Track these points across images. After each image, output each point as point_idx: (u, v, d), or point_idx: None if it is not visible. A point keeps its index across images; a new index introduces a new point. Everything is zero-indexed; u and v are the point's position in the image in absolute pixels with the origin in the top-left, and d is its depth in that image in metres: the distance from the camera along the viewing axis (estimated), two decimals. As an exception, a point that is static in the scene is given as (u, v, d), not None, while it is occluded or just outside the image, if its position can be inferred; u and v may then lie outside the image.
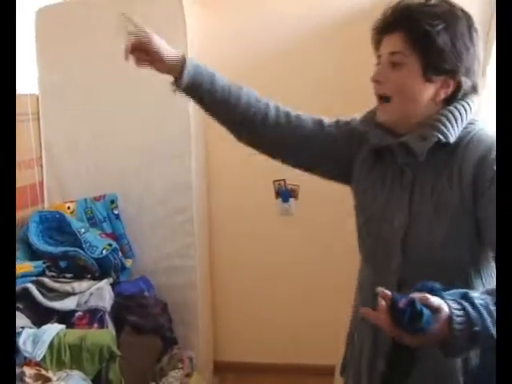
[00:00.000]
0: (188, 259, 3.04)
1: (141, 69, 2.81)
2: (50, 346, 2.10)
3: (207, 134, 3.23)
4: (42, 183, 3.03)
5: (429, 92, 1.38)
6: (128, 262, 2.89)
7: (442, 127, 1.35)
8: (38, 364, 2.00)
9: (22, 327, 2.15)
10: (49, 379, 1.92)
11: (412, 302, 1.05)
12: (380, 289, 1.12)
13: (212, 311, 3.45)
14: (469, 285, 1.39)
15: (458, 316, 1.07)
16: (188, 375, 2.74)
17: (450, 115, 1.37)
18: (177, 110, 2.90)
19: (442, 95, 1.39)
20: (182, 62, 1.61)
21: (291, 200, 3.28)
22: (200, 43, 3.07)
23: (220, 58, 3.13)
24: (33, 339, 2.08)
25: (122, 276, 2.82)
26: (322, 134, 1.62)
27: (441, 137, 1.35)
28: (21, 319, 2.22)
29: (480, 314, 1.08)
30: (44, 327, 2.19)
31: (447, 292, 1.12)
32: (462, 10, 1.37)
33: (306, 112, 3.05)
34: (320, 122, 1.64)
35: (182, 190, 2.98)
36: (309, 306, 3.38)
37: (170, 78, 2.84)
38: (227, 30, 3.16)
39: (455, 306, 1.09)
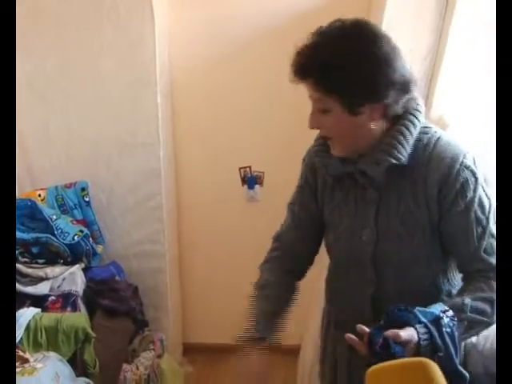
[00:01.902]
0: (158, 244, 3.12)
1: (111, 59, 2.88)
2: (27, 328, 2.16)
3: (175, 123, 3.28)
4: (12, 171, 3.05)
5: (361, 123, 1.38)
6: (99, 248, 2.95)
7: (394, 150, 1.37)
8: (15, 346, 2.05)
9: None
10: (26, 360, 1.98)
11: (387, 345, 1.19)
12: (358, 327, 1.26)
13: (181, 295, 3.53)
14: (438, 287, 1.47)
15: (425, 340, 1.22)
16: (159, 356, 2.83)
17: (398, 136, 1.38)
18: (145, 99, 2.96)
19: (377, 118, 1.38)
20: None
21: (257, 187, 3.35)
22: (169, 31, 3.12)
23: (191, 46, 3.19)
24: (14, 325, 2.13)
25: (94, 261, 2.89)
26: (308, 220, 1.66)
27: (393, 161, 1.37)
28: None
29: (444, 342, 1.22)
30: (20, 311, 2.24)
31: (422, 310, 1.26)
32: (371, 31, 1.35)
33: (282, 100, 3.12)
34: (295, 219, 1.69)
35: (152, 178, 3.04)
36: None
37: (140, 70, 2.91)
38: (199, 18, 3.17)
39: (423, 331, 1.23)
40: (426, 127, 1.44)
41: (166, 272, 3.17)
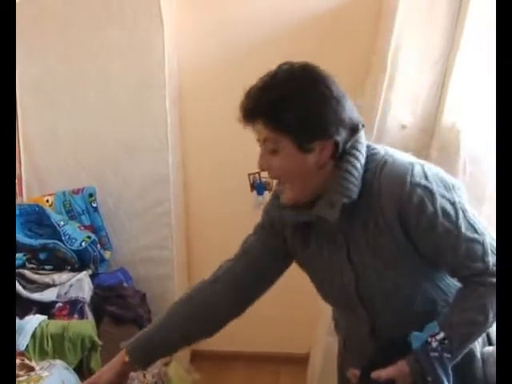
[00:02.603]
0: (166, 251, 3.10)
1: (118, 63, 2.86)
2: (33, 336, 2.15)
3: (184, 128, 3.27)
4: (20, 177, 3.04)
5: (311, 161, 1.35)
6: (106, 254, 2.94)
7: (345, 190, 1.34)
8: (21, 354, 2.03)
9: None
10: (32, 368, 1.95)
11: None
12: (349, 372, 1.37)
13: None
14: (432, 301, 1.43)
15: (415, 369, 1.29)
16: (166, 364, 2.79)
17: (346, 174, 1.35)
18: (154, 103, 2.94)
19: (325, 158, 1.36)
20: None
21: (266, 193, 3.32)
22: (177, 35, 3.11)
23: (200, 49, 3.17)
24: (16, 330, 2.11)
25: (101, 268, 2.87)
26: (262, 258, 1.62)
27: (345, 200, 1.34)
28: (1, 311, 2.25)
29: (432, 366, 1.27)
30: (27, 318, 2.23)
31: (416, 335, 1.32)
32: (319, 73, 1.37)
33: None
34: (247, 256, 1.66)
35: (160, 183, 3.03)
36: (283, 297, 3.43)
37: (148, 74, 2.90)
38: (207, 21, 3.16)
39: (412, 360, 1.30)
40: (373, 154, 1.40)
41: (173, 278, 3.15)
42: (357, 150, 1.38)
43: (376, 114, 2.46)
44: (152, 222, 3.07)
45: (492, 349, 1.47)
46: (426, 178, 1.34)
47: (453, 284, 1.44)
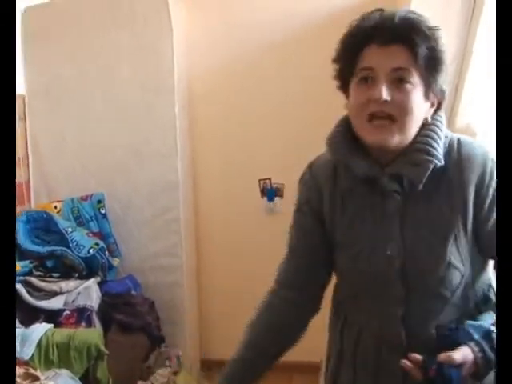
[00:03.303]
0: (175, 258, 3.06)
1: (128, 68, 2.84)
2: (38, 345, 2.12)
3: (193, 134, 3.24)
4: (28, 183, 3.03)
5: (425, 110, 1.31)
6: (115, 261, 2.91)
7: (433, 150, 1.28)
8: (26, 363, 2.01)
9: (10, 327, 2.16)
10: (37, 378, 1.93)
11: (441, 370, 1.15)
12: (411, 356, 1.20)
13: (199, 309, 3.46)
14: (468, 299, 1.37)
15: (481, 358, 1.17)
16: (175, 373, 2.76)
17: (433, 134, 1.30)
18: (163, 109, 2.92)
19: (431, 113, 1.33)
20: None
21: (276, 199, 3.29)
22: (187, 39, 3.08)
23: (209, 54, 3.15)
24: (21, 338, 2.09)
25: (109, 275, 2.84)
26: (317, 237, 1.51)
27: (436, 161, 1.28)
28: (8, 319, 2.23)
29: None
30: (32, 326, 2.20)
31: (473, 325, 1.22)
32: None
33: (303, 110, 3.06)
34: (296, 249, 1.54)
35: (169, 190, 2.99)
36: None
37: (157, 79, 2.88)
38: (217, 25, 3.14)
39: (477, 349, 1.17)
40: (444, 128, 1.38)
41: (183, 286, 3.11)
42: (440, 116, 1.35)
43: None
44: (161, 228, 3.04)
45: None
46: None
47: (482, 294, 1.39)
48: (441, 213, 1.31)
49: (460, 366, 1.15)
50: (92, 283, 2.64)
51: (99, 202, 2.94)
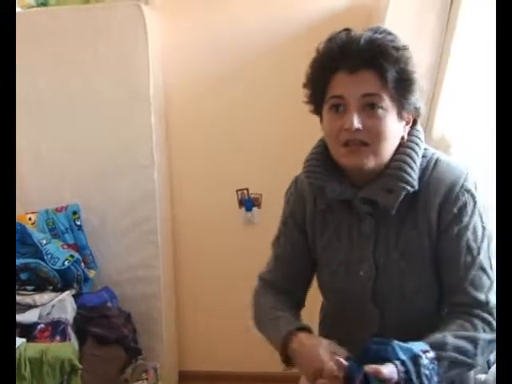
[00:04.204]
0: (152, 269, 3.02)
1: (104, 78, 2.82)
2: (11, 360, 2.07)
3: (170, 144, 3.22)
4: (2, 194, 2.98)
5: (400, 131, 1.31)
6: (91, 273, 2.87)
7: (407, 176, 1.28)
8: (-3, 379, 1.97)
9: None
10: (9, 394, 1.89)
11: (366, 381, 1.13)
12: (336, 359, 1.20)
13: (176, 321, 3.43)
14: (433, 315, 1.38)
15: (403, 379, 1.14)
16: (153, 385, 2.73)
17: (407, 159, 1.30)
18: (139, 120, 2.89)
19: (407, 130, 1.34)
20: None
21: (254, 209, 3.27)
22: (163, 48, 3.07)
23: (186, 63, 3.14)
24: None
25: (85, 287, 2.80)
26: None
27: (408, 188, 1.28)
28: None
29: (421, 382, 1.15)
30: (4, 341, 2.16)
31: (401, 346, 1.18)
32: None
33: (281, 121, 3.06)
34: (281, 259, 1.56)
35: (146, 201, 2.96)
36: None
37: (133, 90, 2.86)
38: (194, 35, 3.12)
39: (402, 369, 1.14)
40: (424, 149, 1.37)
41: (160, 298, 3.07)
42: (416, 137, 1.35)
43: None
44: (138, 239, 3.01)
45: (484, 377, 1.42)
46: (476, 188, 1.31)
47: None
48: (410, 236, 1.32)
49: (384, 381, 1.13)
50: (67, 296, 2.61)
51: (74, 213, 2.90)
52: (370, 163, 1.29)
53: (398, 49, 1.26)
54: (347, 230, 1.39)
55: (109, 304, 2.79)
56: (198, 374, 3.50)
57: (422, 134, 1.37)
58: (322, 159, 1.40)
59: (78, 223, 2.90)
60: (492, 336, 1.25)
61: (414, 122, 1.37)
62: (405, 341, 1.21)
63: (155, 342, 3.09)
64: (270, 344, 1.44)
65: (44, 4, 2.94)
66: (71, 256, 2.69)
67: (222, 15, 3.09)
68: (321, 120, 1.39)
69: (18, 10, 2.94)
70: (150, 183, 2.96)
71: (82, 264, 2.78)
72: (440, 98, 2.18)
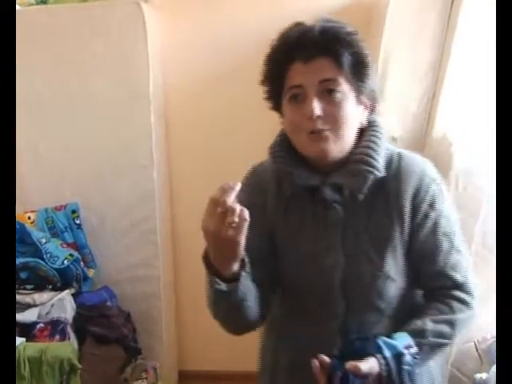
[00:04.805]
0: (152, 269, 3.02)
1: (102, 77, 2.80)
2: (10, 359, 2.07)
3: (169, 143, 3.21)
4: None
5: (358, 115, 1.33)
6: (90, 272, 2.86)
7: (373, 161, 1.30)
8: (-4, 378, 1.96)
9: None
10: (8, 394, 1.88)
11: (346, 378, 1.16)
12: (320, 357, 1.20)
13: (176, 320, 3.43)
14: (407, 307, 1.39)
15: (385, 373, 1.19)
16: (152, 384, 2.73)
17: (373, 145, 1.32)
18: (138, 119, 2.88)
19: (365, 116, 1.35)
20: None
21: (254, 207, 3.26)
22: (163, 47, 3.05)
23: (186, 63, 3.12)
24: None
25: (85, 286, 2.79)
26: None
27: (376, 172, 1.30)
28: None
29: (401, 380, 1.19)
30: (3, 341, 2.15)
31: (385, 342, 1.23)
32: None
33: (275, 116, 3.05)
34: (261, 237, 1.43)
35: (145, 200, 2.95)
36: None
37: (132, 89, 2.85)
38: (194, 34, 3.10)
39: (383, 362, 1.19)
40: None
41: (160, 297, 3.07)
42: (379, 126, 1.38)
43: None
44: (137, 239, 3.00)
45: (486, 376, 1.42)
46: (438, 177, 1.37)
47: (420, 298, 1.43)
48: (380, 225, 1.33)
49: (365, 377, 1.16)
50: (66, 295, 2.60)
51: (74, 211, 2.89)
52: (335, 150, 1.30)
53: (349, 33, 1.28)
54: (311, 220, 1.38)
55: (108, 303, 2.78)
56: (197, 373, 3.49)
57: (383, 130, 1.38)
58: (286, 146, 1.41)
59: (78, 222, 2.89)
60: (468, 314, 1.34)
61: (373, 109, 1.38)
62: (367, 332, 1.29)
63: (155, 341, 3.08)
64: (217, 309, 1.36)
65: (44, 2, 2.92)
66: (71, 255, 2.68)
67: (221, 14, 3.08)
68: (281, 116, 1.42)
69: (17, 7, 2.92)
70: (150, 183, 2.95)
71: (82, 263, 2.77)
72: (441, 96, 2.18)
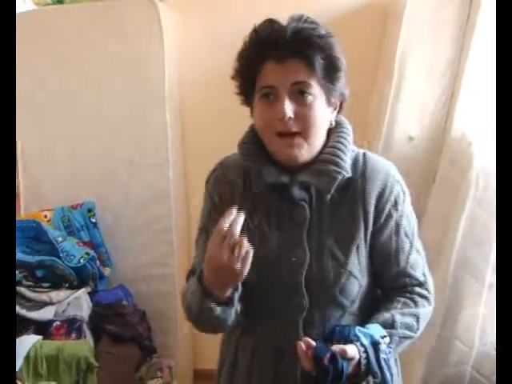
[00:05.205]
0: (167, 268, 3.02)
1: (117, 75, 2.80)
2: (27, 357, 2.08)
3: (185, 143, 3.21)
4: (18, 192, 2.98)
5: (328, 117, 1.35)
6: (106, 271, 2.87)
7: (341, 161, 1.32)
8: (14, 376, 1.97)
9: (-2, 338, 2.12)
10: (25, 391, 1.90)
11: (335, 360, 1.19)
12: (305, 340, 1.23)
13: (191, 319, 3.43)
14: (368, 304, 1.42)
15: (364, 359, 1.22)
16: (167, 384, 2.73)
17: (341, 146, 1.35)
18: (154, 118, 2.89)
19: (334, 116, 1.37)
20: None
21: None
22: (178, 47, 3.06)
23: (202, 61, 3.12)
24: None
25: (100, 285, 2.80)
26: None
27: (344, 172, 1.32)
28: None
29: (380, 368, 1.24)
30: (21, 338, 2.16)
31: (362, 331, 1.27)
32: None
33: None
34: None
35: (160, 199, 2.96)
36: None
37: (147, 87, 2.84)
38: (210, 32, 3.10)
39: (362, 350, 1.23)
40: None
41: (175, 296, 3.06)
42: (346, 128, 1.39)
43: (382, 125, 2.40)
44: (152, 238, 3.00)
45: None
46: (401, 179, 1.41)
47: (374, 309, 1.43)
48: (344, 223, 1.36)
49: (349, 360, 1.20)
50: (82, 293, 2.61)
51: (89, 210, 2.90)
52: (304, 154, 1.32)
53: (322, 37, 1.29)
54: (277, 217, 1.39)
55: (124, 302, 2.78)
56: (212, 372, 3.45)
57: (351, 132, 1.40)
58: (255, 143, 1.41)
59: (94, 221, 2.90)
60: (428, 310, 1.41)
61: (341, 109, 1.40)
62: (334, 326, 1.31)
63: (170, 340, 3.08)
64: (199, 318, 1.33)
65: (60, 1, 2.93)
66: (87, 254, 2.69)
67: (237, 13, 3.07)
68: (251, 111, 1.42)
69: (33, 7, 2.94)
70: (165, 182, 2.95)
71: (98, 262, 2.78)
72: (460, 95, 2.16)
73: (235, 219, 1.20)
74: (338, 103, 1.38)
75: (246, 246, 1.20)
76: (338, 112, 1.40)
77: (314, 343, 1.22)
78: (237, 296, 1.31)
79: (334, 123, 1.38)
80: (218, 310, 1.28)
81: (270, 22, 1.35)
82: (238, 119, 3.38)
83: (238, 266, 1.20)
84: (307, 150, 1.32)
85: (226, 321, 1.33)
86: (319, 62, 1.27)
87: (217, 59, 3.11)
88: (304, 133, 1.30)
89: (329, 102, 1.33)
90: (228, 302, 1.29)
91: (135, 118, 2.90)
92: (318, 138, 1.34)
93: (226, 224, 1.20)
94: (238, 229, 1.19)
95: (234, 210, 1.21)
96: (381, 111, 2.45)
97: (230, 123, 3.22)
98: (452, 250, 2.11)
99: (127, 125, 2.92)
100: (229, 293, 1.29)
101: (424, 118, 2.35)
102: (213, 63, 3.12)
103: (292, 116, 1.28)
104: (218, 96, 3.16)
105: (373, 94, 2.77)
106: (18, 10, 2.86)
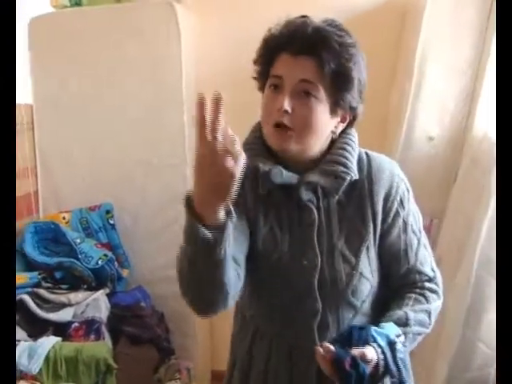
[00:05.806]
0: (185, 269, 3.01)
1: (135, 77, 2.79)
2: (46, 359, 2.08)
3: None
4: (36, 193, 3.00)
5: (331, 126, 1.35)
6: (124, 272, 2.87)
7: (348, 163, 1.34)
8: (34, 377, 1.98)
9: (18, 340, 2.13)
10: (45, 393, 1.90)
11: (356, 364, 1.19)
12: (324, 345, 1.22)
13: (209, 320, 3.42)
14: (379, 304, 1.43)
15: (382, 361, 1.23)
16: (185, 385, 2.72)
17: (348, 148, 1.36)
18: (171, 119, 2.88)
19: (340, 128, 1.37)
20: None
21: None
22: (196, 48, 3.06)
23: (219, 62, 3.12)
24: (28, 352, 2.06)
25: (119, 286, 2.80)
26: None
27: (352, 174, 1.33)
28: (17, 332, 2.20)
29: (398, 367, 1.24)
30: (40, 340, 2.17)
31: (378, 331, 1.27)
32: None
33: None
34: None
35: (178, 200, 2.90)
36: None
37: (165, 89, 2.84)
38: (227, 33, 3.11)
39: (380, 351, 1.23)
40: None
41: (193, 297, 3.06)
42: (352, 135, 1.41)
43: (402, 125, 2.39)
44: (170, 239, 2.98)
45: None
46: (405, 177, 1.43)
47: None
48: (353, 224, 1.37)
49: (368, 362, 1.21)
50: (101, 295, 2.61)
51: (108, 212, 2.90)
52: (292, 148, 1.32)
53: (341, 44, 1.28)
54: (287, 219, 1.39)
55: (142, 303, 2.78)
56: (230, 374, 3.48)
57: (356, 137, 1.41)
58: (261, 143, 1.42)
59: (112, 222, 2.90)
60: (438, 304, 1.43)
61: (351, 124, 1.41)
62: (342, 329, 1.34)
63: (188, 341, 3.08)
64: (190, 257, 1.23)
65: (78, 4, 2.94)
66: (105, 255, 2.70)
67: (254, 14, 3.06)
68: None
69: (51, 10, 2.95)
70: (182, 183, 2.94)
71: (116, 263, 2.78)
72: (481, 95, 2.13)
73: (214, 105, 1.05)
74: (348, 117, 1.37)
75: (232, 135, 1.07)
76: (348, 126, 1.40)
77: (332, 348, 1.22)
78: (231, 225, 1.13)
79: (338, 134, 1.38)
80: (210, 234, 1.11)
81: (302, 18, 1.36)
82: (256, 119, 3.39)
83: (229, 161, 1.05)
84: (299, 146, 1.32)
85: (221, 263, 1.15)
86: (330, 66, 1.27)
87: (234, 60, 3.12)
88: (297, 131, 1.30)
89: (333, 112, 1.32)
90: (221, 227, 1.12)
91: (153, 120, 2.90)
92: (315, 141, 1.34)
93: (205, 113, 1.05)
94: (221, 116, 1.05)
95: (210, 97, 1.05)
96: (401, 110, 2.44)
97: (247, 123, 3.22)
98: (475, 250, 2.09)
99: (145, 126, 2.92)
100: (222, 215, 1.12)
101: (444, 118, 2.33)
102: (230, 64, 3.12)
103: (289, 110, 1.28)
104: (235, 97, 3.16)
105: (391, 92, 2.75)
106: (36, 13, 2.88)
